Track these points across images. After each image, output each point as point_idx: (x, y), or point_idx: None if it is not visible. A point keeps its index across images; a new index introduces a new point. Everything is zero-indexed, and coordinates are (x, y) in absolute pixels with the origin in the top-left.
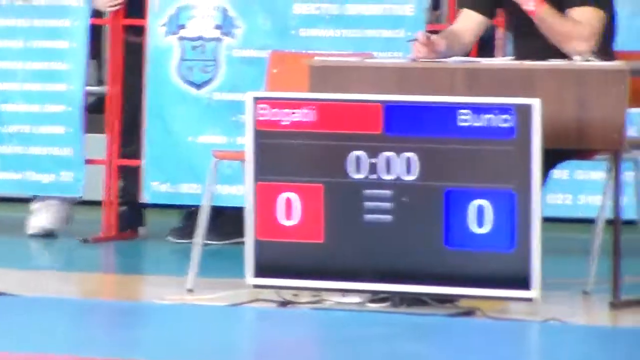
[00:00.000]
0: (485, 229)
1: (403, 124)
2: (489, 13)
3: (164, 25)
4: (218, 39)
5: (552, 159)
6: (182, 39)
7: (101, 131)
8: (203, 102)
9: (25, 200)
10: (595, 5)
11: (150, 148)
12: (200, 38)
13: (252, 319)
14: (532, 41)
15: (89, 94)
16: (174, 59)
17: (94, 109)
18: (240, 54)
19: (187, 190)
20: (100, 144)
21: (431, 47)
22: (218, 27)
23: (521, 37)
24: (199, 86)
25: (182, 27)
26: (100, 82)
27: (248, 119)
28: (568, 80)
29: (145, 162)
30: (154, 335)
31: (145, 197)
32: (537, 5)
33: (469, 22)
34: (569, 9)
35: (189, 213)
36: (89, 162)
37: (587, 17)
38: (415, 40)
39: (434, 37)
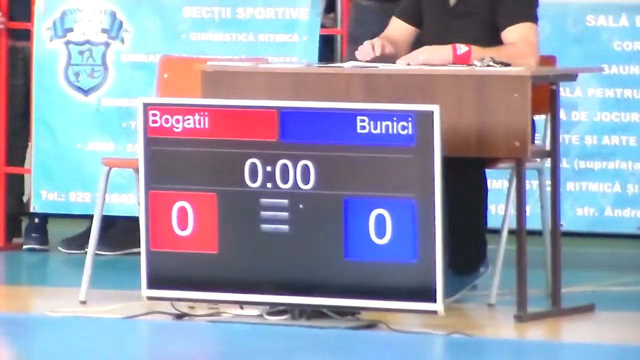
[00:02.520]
0: (386, 239)
1: (299, 130)
2: (418, 22)
3: (49, 29)
4: (106, 43)
5: (458, 167)
6: (68, 43)
7: None
8: (91, 108)
9: None
10: (526, 19)
11: (38, 156)
12: (87, 42)
13: (147, 332)
14: None
15: None
16: (61, 63)
17: None
18: (130, 59)
19: (77, 200)
20: None
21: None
22: (105, 30)
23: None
24: (86, 92)
25: (69, 30)
26: None
27: (139, 126)
28: (468, 86)
29: (33, 170)
30: (45, 349)
31: (34, 206)
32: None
33: (402, 32)
34: (503, 32)
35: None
36: None
37: (522, 34)
38: (365, 44)
39: (383, 41)
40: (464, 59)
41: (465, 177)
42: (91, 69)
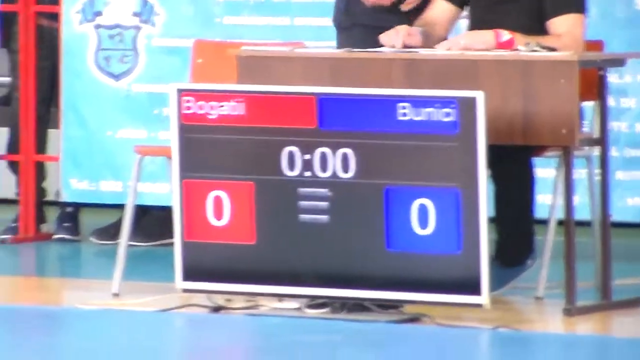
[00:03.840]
0: (429, 229)
1: (338, 117)
2: (460, 3)
3: (78, 12)
4: (137, 27)
5: (504, 155)
6: (98, 27)
7: (4, 124)
8: (122, 94)
9: None
10: (574, 10)
11: (67, 143)
12: (117, 26)
13: (181, 326)
14: None
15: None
16: (90, 48)
17: (4, 101)
18: (161, 43)
19: (108, 189)
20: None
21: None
22: (136, 14)
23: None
24: (117, 77)
25: (99, 14)
26: (13, 72)
27: (172, 113)
28: (513, 71)
29: (63, 159)
30: (77, 343)
31: (65, 196)
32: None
33: (443, 12)
34: (549, 21)
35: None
36: (1, 157)
37: (567, 26)
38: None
39: (413, 28)
40: (506, 47)
41: (512, 166)
42: (122, 53)
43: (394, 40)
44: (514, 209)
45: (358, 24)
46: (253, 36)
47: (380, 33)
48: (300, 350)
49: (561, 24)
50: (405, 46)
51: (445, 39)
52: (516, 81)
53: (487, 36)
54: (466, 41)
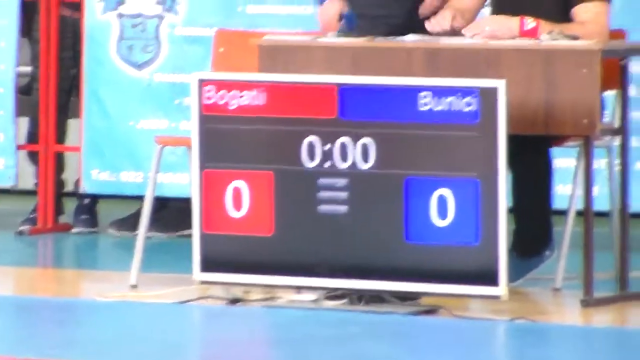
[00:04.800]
0: (448, 220)
1: (359, 107)
2: None
3: (100, 1)
4: (160, 16)
5: (523, 145)
6: (121, 16)
7: (25, 114)
8: (144, 83)
9: None
10: None
11: (89, 133)
12: (140, 15)
13: (199, 318)
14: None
15: (20, 74)
16: (113, 37)
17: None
18: (184, 32)
19: (129, 179)
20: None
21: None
22: (159, 3)
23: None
24: (139, 66)
25: (121, 3)
26: (34, 62)
27: (193, 102)
28: (535, 60)
29: (84, 149)
30: (94, 335)
31: (85, 187)
32: (536, 24)
33: (471, 1)
34: (574, 8)
35: None
36: (20, 147)
37: (592, 14)
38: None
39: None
40: (530, 34)
41: (530, 155)
42: (144, 42)
43: (443, 24)
44: (532, 200)
45: (359, 15)
46: (275, 25)
47: (381, 23)
48: (318, 343)
49: (586, 12)
50: (453, 30)
51: None
52: (538, 70)
53: (512, 23)
54: (492, 27)
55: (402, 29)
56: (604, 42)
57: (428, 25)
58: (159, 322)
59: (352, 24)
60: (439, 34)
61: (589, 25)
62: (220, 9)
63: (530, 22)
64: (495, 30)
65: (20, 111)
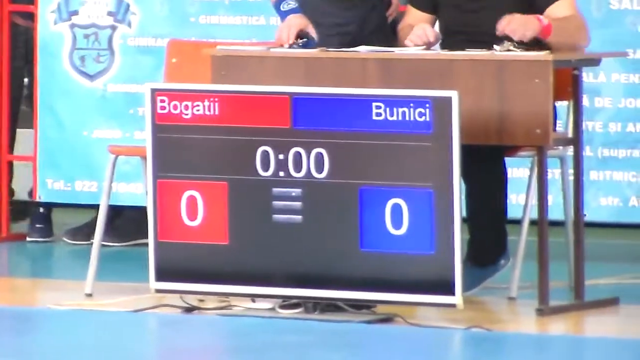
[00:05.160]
0: (403, 229)
1: (313, 117)
2: (432, 9)
3: (53, 11)
4: (112, 27)
5: (476, 155)
6: (73, 26)
7: None
8: (97, 94)
9: None
10: None
11: (43, 143)
12: (93, 25)
13: (155, 326)
14: (460, 42)
15: None
16: (66, 47)
17: None
18: (137, 43)
19: (84, 189)
20: None
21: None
22: (112, 13)
23: (450, 35)
24: (92, 77)
25: (74, 13)
26: None
27: (146, 112)
28: (488, 71)
29: (38, 158)
30: (49, 344)
31: (40, 196)
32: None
33: (421, 20)
34: (548, 9)
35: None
36: None
37: (570, 9)
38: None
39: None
40: (547, 31)
41: (484, 165)
42: (97, 53)
43: (425, 38)
44: (486, 209)
45: (315, 23)
46: (228, 36)
47: (335, 32)
48: (274, 351)
49: (562, 8)
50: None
51: None
52: (490, 81)
53: (533, 21)
54: (517, 23)
55: (356, 39)
56: (588, 36)
57: (409, 39)
58: (115, 331)
59: (308, 47)
60: (419, 47)
61: (573, 20)
62: (173, 20)
63: (544, 19)
64: (519, 27)
65: None
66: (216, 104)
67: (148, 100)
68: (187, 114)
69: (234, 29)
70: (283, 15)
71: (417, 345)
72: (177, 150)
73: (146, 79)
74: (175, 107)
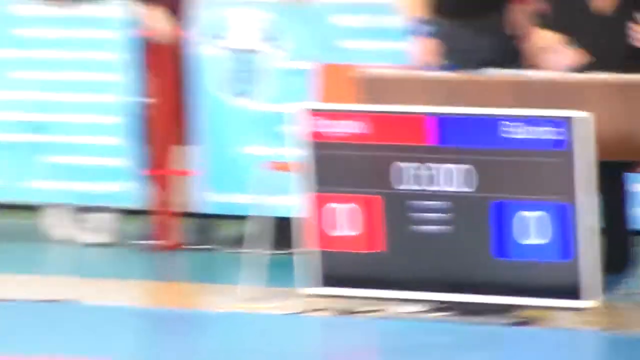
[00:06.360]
0: (542, 240)
1: (458, 135)
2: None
3: (206, 35)
4: (261, 50)
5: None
6: (225, 49)
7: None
8: (248, 113)
9: (30, 208)
10: None
11: (202, 158)
12: (243, 49)
13: (312, 328)
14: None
15: (142, 104)
16: (218, 69)
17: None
18: (285, 65)
19: (239, 201)
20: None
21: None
22: (263, 38)
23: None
24: (244, 97)
25: (225, 37)
26: (145, 92)
27: (302, 130)
28: (617, 93)
29: (198, 173)
30: (215, 345)
31: (199, 207)
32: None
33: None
34: None
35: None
36: (143, 172)
37: None
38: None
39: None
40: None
41: (608, 180)
42: (247, 75)
43: (565, 60)
44: (611, 221)
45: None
46: (366, 59)
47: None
48: (420, 351)
49: None
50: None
51: None
52: (618, 101)
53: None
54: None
55: (488, 62)
56: None
57: (550, 59)
58: (275, 333)
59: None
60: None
61: None
62: (319, 44)
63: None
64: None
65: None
66: (366, 123)
67: (304, 119)
68: (340, 132)
69: (372, 53)
70: (417, 39)
71: (552, 346)
72: (334, 165)
73: (293, 99)
74: (329, 126)
